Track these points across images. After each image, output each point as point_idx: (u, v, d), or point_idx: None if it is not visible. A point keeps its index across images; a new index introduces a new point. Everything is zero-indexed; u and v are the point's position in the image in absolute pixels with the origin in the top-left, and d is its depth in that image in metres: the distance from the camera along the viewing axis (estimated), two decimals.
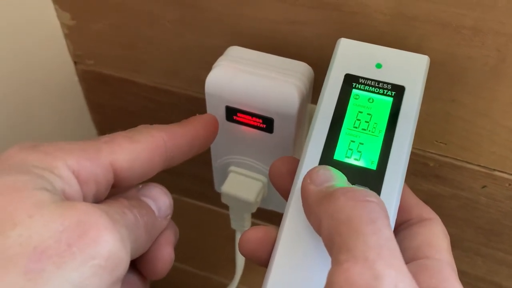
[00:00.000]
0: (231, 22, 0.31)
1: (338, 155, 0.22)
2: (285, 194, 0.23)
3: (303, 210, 0.21)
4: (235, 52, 0.29)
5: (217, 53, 0.30)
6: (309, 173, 0.21)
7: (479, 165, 0.31)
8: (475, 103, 0.28)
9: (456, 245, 0.38)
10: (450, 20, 0.25)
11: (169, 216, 0.24)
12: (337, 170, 0.21)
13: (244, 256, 0.22)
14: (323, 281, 0.18)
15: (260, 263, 0.22)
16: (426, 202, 0.24)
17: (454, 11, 0.25)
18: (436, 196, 0.35)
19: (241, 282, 0.40)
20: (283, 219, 0.22)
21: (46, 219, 0.17)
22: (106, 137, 0.22)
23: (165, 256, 0.23)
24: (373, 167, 0.22)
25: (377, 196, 0.18)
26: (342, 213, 0.18)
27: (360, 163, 0.22)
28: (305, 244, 0.21)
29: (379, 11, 0.27)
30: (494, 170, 0.31)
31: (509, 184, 0.31)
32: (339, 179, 0.20)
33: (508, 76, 0.26)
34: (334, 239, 0.17)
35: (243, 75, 0.27)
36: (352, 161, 0.22)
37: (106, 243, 0.17)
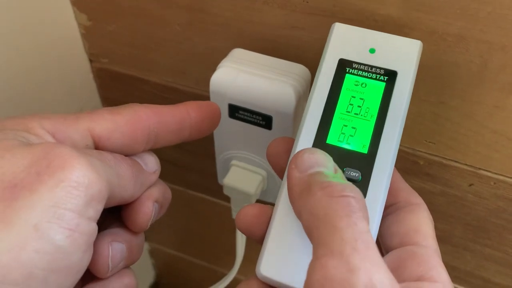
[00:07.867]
0: (236, 26, 0.33)
1: (330, 139, 0.23)
2: (281, 173, 0.24)
3: None
4: (238, 54, 0.31)
5: (222, 54, 0.32)
6: (295, 157, 0.20)
7: (465, 164, 0.33)
8: (462, 106, 0.30)
9: (446, 241, 0.39)
10: (437, 28, 0.27)
11: (157, 172, 0.25)
12: (323, 152, 0.20)
13: (240, 231, 0.23)
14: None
15: (256, 239, 0.23)
16: None
17: (440, 20, 0.27)
18: (427, 193, 0.36)
19: (241, 273, 0.41)
20: (277, 197, 0.22)
21: (17, 157, 0.19)
22: (89, 110, 0.23)
23: (143, 209, 0.24)
24: (364, 151, 0.22)
25: (354, 189, 0.18)
26: (319, 209, 0.18)
27: (352, 147, 0.23)
28: (298, 222, 0.21)
29: (372, 19, 0.29)
30: (480, 169, 0.33)
31: (494, 183, 0.33)
32: (324, 163, 0.20)
33: (490, 81, 0.28)
34: (313, 233, 0.18)
35: (245, 76, 0.29)
36: (344, 145, 0.23)
37: (72, 167, 0.19)
